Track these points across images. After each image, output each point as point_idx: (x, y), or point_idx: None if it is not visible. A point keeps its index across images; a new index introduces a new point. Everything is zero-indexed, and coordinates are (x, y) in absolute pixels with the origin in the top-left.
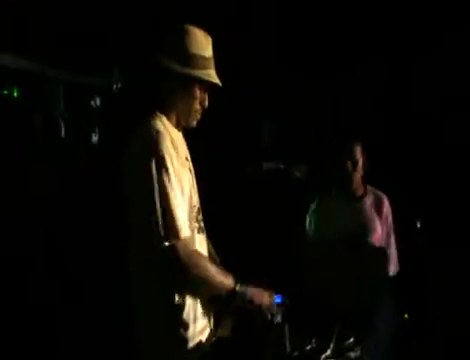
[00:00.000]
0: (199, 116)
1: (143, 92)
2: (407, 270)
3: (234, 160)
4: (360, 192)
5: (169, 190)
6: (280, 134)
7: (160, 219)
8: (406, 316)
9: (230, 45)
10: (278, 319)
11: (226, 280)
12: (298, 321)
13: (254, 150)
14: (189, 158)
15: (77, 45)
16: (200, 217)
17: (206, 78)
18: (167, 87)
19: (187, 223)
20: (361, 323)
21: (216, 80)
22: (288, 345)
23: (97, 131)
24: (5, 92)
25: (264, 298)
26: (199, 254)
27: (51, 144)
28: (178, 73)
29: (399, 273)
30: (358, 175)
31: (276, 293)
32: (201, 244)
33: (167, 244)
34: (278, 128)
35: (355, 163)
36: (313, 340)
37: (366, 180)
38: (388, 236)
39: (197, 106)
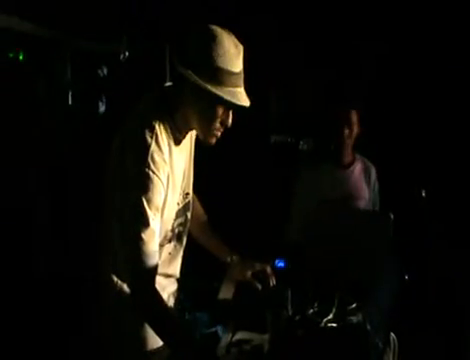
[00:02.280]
0: (219, 134)
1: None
2: (410, 235)
3: (242, 133)
4: (349, 159)
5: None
6: (288, 107)
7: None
8: (406, 278)
9: (237, 22)
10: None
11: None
12: (300, 285)
13: (262, 123)
14: (187, 159)
15: (86, 11)
16: (176, 223)
17: (232, 100)
18: (184, 98)
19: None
20: (363, 289)
21: (243, 102)
22: (290, 308)
23: (104, 100)
24: (10, 55)
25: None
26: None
27: (57, 110)
28: (200, 89)
29: (402, 238)
30: (351, 142)
31: (279, 258)
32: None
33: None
34: (286, 101)
35: (351, 130)
36: (315, 304)
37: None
38: (374, 206)
39: (217, 124)
